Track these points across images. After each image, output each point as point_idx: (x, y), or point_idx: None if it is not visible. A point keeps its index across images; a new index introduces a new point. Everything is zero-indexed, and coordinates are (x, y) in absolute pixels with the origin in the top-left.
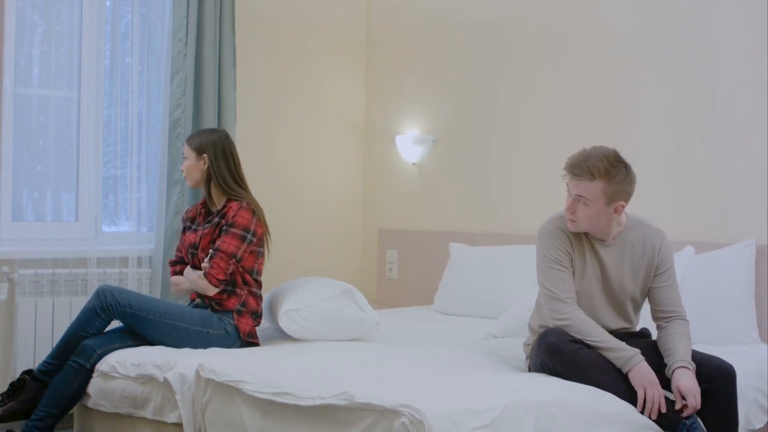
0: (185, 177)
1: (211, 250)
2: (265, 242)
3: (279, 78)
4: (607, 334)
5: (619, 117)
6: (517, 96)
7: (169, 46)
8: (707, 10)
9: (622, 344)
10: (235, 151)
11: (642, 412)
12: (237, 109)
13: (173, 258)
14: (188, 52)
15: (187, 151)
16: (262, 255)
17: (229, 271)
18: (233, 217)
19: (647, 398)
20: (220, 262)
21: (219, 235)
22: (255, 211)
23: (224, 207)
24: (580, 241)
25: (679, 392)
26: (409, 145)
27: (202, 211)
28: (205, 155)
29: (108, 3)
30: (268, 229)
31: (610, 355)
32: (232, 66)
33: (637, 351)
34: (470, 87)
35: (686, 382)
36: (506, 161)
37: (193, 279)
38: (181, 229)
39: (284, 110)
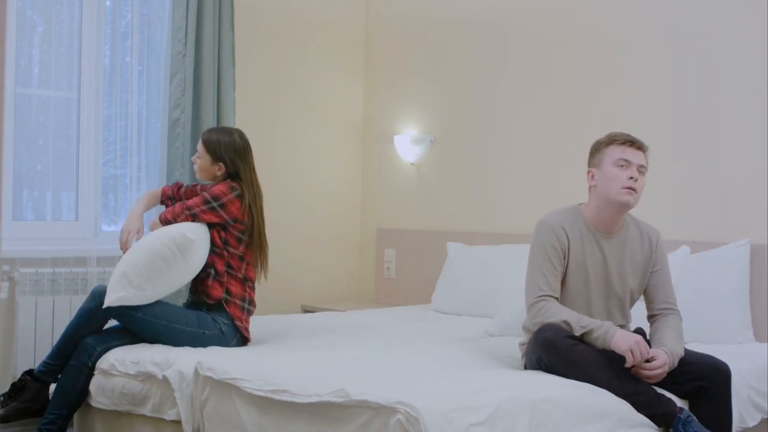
0: (196, 170)
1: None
2: (250, 232)
3: (278, 78)
4: (576, 314)
5: (616, 117)
6: (514, 96)
7: (168, 46)
8: (706, 9)
9: (594, 321)
10: (250, 156)
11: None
12: (236, 109)
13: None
14: (188, 52)
15: (202, 150)
16: (247, 244)
17: (179, 220)
18: (211, 187)
19: (635, 357)
20: (176, 207)
21: None
22: (233, 189)
23: None
24: (581, 236)
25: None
26: (407, 145)
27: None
28: (220, 164)
29: (108, 3)
30: (253, 221)
31: (590, 338)
32: (231, 66)
33: (609, 323)
34: (468, 87)
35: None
36: (504, 161)
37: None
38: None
39: (283, 110)
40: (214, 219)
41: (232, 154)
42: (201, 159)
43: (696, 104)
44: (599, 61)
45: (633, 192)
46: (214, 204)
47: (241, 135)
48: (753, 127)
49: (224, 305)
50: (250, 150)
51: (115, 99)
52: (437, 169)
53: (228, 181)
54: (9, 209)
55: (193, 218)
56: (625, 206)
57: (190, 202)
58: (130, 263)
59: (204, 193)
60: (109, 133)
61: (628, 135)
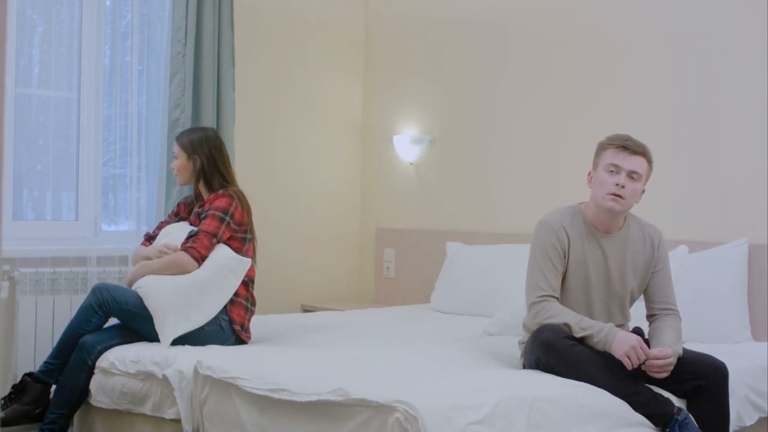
0: (176, 175)
1: (192, 230)
2: (251, 230)
3: (277, 78)
4: (576, 315)
5: (615, 117)
6: (514, 96)
7: (168, 47)
8: (706, 9)
9: (594, 324)
10: (225, 148)
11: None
12: (236, 109)
13: (151, 233)
14: (187, 52)
15: (178, 150)
16: (250, 241)
17: (211, 251)
18: (212, 203)
19: (632, 361)
20: (204, 239)
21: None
22: (234, 196)
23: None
24: (582, 236)
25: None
26: (407, 144)
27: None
28: (196, 156)
29: (108, 3)
30: (251, 218)
31: (590, 342)
32: (230, 66)
33: (610, 325)
34: (467, 87)
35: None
36: (503, 161)
37: (171, 257)
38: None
39: (283, 110)
40: (229, 233)
41: (206, 147)
42: (178, 158)
43: (696, 104)
44: (599, 61)
45: (618, 198)
46: (227, 218)
47: (214, 130)
48: (753, 127)
49: (227, 305)
50: (224, 144)
51: (115, 99)
52: (437, 169)
53: (221, 191)
54: (9, 209)
55: (218, 242)
56: (610, 212)
57: (209, 227)
58: (187, 301)
59: (213, 212)
60: (109, 133)
61: (626, 138)
